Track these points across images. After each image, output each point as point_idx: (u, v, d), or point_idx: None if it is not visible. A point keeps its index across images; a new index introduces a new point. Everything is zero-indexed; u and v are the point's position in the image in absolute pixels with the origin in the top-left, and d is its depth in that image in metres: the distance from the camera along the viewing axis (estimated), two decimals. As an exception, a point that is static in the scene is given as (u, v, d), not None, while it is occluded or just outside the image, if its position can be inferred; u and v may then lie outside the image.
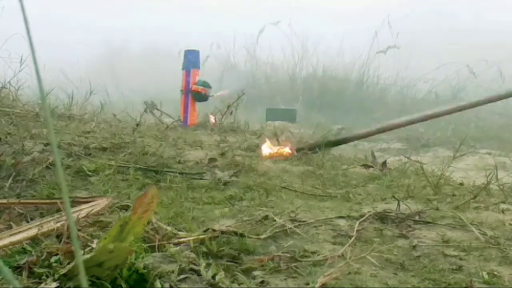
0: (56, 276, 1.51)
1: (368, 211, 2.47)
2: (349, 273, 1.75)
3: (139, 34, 14.25)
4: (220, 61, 12.33)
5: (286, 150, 4.10)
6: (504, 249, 2.05)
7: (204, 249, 1.84)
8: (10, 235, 1.81)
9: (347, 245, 2.00)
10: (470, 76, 10.61)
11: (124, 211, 2.28)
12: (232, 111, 5.40)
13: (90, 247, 1.67)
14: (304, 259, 1.85)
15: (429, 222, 2.39)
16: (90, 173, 2.93)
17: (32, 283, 1.52)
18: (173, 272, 1.60)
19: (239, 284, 1.62)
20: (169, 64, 10.25)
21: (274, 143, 4.19)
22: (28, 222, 2.07)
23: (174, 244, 1.85)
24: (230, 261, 1.80)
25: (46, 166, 2.86)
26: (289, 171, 3.57)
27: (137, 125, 4.29)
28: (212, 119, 5.63)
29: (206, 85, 5.80)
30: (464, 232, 2.27)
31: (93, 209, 2.19)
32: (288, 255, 1.87)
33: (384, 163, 3.88)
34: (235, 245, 1.93)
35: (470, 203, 2.74)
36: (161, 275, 1.58)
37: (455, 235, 2.22)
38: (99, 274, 1.49)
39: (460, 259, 1.95)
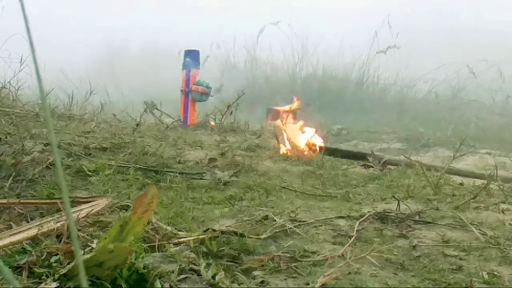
0: (56, 276, 1.51)
1: (368, 211, 2.47)
2: (349, 273, 1.75)
3: (139, 34, 14.24)
4: (220, 61, 12.33)
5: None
6: (504, 249, 2.05)
7: (204, 249, 1.84)
8: (10, 235, 1.81)
9: (347, 245, 2.00)
10: (470, 76, 10.60)
11: (124, 211, 2.28)
12: (232, 111, 5.40)
13: (90, 247, 1.67)
14: (304, 259, 1.85)
15: (429, 222, 2.39)
16: (90, 173, 2.93)
17: (32, 283, 1.52)
18: (173, 272, 1.60)
19: (239, 284, 1.62)
20: (169, 64, 10.25)
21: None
22: (28, 222, 2.07)
23: (174, 244, 1.85)
24: (230, 261, 1.80)
25: (46, 166, 2.86)
26: (289, 171, 3.57)
27: (137, 125, 4.29)
28: (212, 122, 5.62)
29: (206, 85, 5.80)
30: (464, 232, 2.27)
31: (93, 209, 2.19)
32: (288, 255, 1.87)
33: (384, 163, 3.88)
34: (235, 245, 1.93)
35: (470, 203, 2.74)
36: (161, 275, 1.58)
37: (455, 235, 2.22)
38: (99, 274, 1.49)
39: (460, 259, 1.95)
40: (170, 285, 1.55)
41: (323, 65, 11.77)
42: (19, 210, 2.23)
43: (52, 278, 1.51)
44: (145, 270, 1.58)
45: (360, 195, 2.97)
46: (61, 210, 2.13)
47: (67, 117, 4.69)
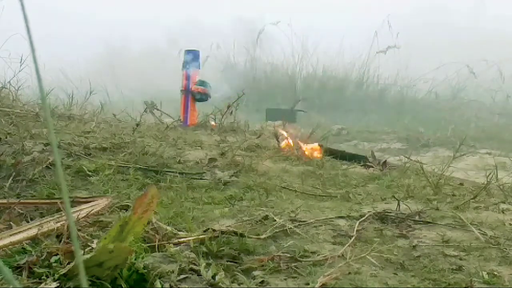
0: (56, 276, 1.51)
1: (368, 211, 2.47)
2: (349, 273, 1.75)
3: (139, 34, 14.24)
4: (220, 61, 12.34)
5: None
6: (504, 249, 2.05)
7: (204, 249, 1.84)
8: (10, 235, 1.81)
9: (347, 245, 2.00)
10: (470, 76, 10.61)
11: (124, 211, 2.28)
12: (232, 111, 5.40)
13: (90, 247, 1.67)
14: (304, 259, 1.85)
15: (429, 222, 2.39)
16: (90, 173, 2.93)
17: (32, 283, 1.51)
18: (173, 272, 1.60)
19: (239, 284, 1.62)
20: (169, 64, 10.26)
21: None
22: (28, 222, 2.07)
23: (174, 244, 1.85)
24: (230, 261, 1.80)
25: (46, 166, 2.86)
26: (289, 171, 3.57)
27: (137, 125, 4.29)
28: (212, 122, 5.62)
29: (206, 85, 5.80)
30: (464, 232, 2.27)
31: (93, 209, 2.19)
32: (288, 255, 1.87)
33: (385, 163, 3.88)
34: (235, 245, 1.93)
35: (470, 203, 2.74)
36: (161, 275, 1.58)
37: (455, 235, 2.22)
38: (99, 274, 1.49)
39: (460, 259, 1.95)
40: (170, 285, 1.55)
41: (323, 65, 11.79)
42: (19, 210, 2.23)
43: (52, 278, 1.51)
44: (145, 270, 1.58)
45: (360, 195, 2.97)
46: (61, 210, 2.13)
47: (67, 117, 4.69)
